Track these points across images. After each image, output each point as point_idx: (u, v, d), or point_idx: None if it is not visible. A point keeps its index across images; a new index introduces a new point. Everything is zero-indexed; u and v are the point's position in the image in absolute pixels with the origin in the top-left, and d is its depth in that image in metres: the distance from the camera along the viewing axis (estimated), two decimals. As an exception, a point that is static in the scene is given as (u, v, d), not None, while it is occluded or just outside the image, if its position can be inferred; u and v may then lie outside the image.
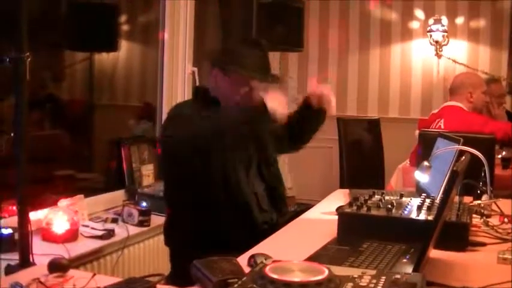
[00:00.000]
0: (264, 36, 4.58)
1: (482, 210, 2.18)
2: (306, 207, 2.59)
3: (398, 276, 1.22)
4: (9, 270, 2.23)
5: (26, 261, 2.26)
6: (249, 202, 2.21)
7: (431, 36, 5.47)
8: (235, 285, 1.18)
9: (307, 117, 2.43)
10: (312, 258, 1.54)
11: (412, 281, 1.20)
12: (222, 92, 2.25)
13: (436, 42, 5.47)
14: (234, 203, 2.19)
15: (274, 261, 1.28)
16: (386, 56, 5.77)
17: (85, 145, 4.42)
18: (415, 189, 2.48)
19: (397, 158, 4.32)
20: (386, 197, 2.07)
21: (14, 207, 2.63)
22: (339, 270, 1.25)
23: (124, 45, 4.51)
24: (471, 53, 5.50)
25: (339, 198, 2.56)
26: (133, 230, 3.11)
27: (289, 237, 2.03)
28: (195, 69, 4.13)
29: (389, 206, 1.86)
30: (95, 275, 1.45)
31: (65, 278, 1.46)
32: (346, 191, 2.69)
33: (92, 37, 3.78)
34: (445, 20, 5.42)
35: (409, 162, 4.07)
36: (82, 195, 3.13)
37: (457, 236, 1.79)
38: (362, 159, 4.45)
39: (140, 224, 3.17)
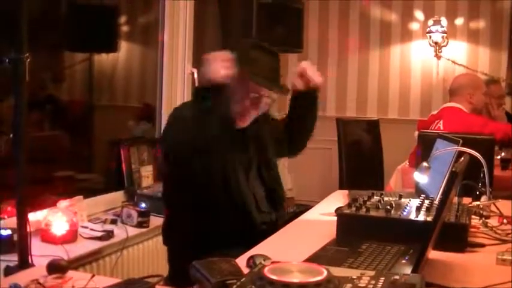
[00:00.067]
0: (263, 37, 4.59)
1: (482, 211, 2.18)
2: (305, 208, 2.59)
3: (397, 277, 1.22)
4: (8, 271, 2.23)
5: (25, 263, 2.26)
6: (248, 203, 2.21)
7: (430, 37, 5.47)
8: (234, 286, 1.18)
9: (301, 106, 2.44)
10: (311, 259, 1.54)
11: (411, 282, 1.20)
12: (230, 93, 2.23)
13: (436, 43, 5.47)
14: (233, 204, 2.19)
15: (273, 262, 1.28)
16: (385, 57, 5.77)
17: (84, 146, 4.42)
18: (414, 190, 2.49)
19: (396, 159, 4.32)
20: (386, 198, 2.07)
21: (11, 208, 2.63)
22: (338, 271, 1.25)
23: (123, 46, 4.51)
24: (471, 54, 5.50)
25: (338, 199, 2.56)
26: (133, 231, 3.11)
27: (288, 238, 2.03)
28: (195, 69, 4.13)
29: (389, 207, 1.86)
30: (94, 276, 1.45)
31: (64, 279, 1.46)
32: (345, 192, 2.69)
33: (91, 38, 3.79)
34: (444, 21, 5.43)
35: (408, 163, 4.07)
36: (81, 196, 3.13)
37: (456, 237, 1.79)
38: (361, 160, 4.45)
39: (139, 225, 3.17)
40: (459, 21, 5.52)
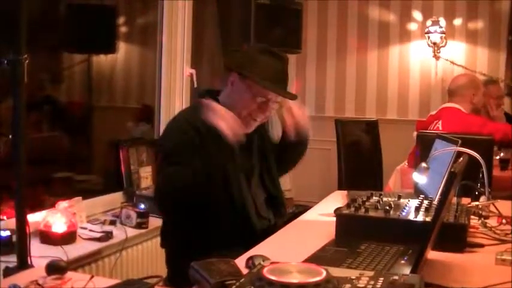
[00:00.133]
0: (262, 38, 4.61)
1: (481, 212, 2.18)
2: (304, 208, 2.59)
3: (396, 277, 1.23)
4: (8, 272, 2.23)
5: (24, 264, 2.26)
6: (248, 210, 2.20)
7: (429, 37, 5.48)
8: (233, 287, 1.18)
9: (287, 149, 2.41)
10: (310, 260, 1.54)
11: (410, 282, 1.20)
12: (236, 98, 2.20)
13: (434, 43, 5.47)
14: (234, 210, 2.18)
15: (272, 263, 1.28)
16: (384, 57, 5.77)
17: (83, 147, 4.41)
18: (413, 190, 2.49)
19: (395, 159, 4.32)
20: (384, 199, 2.07)
21: (11, 209, 2.62)
22: (337, 272, 1.25)
23: (122, 47, 4.51)
24: (469, 55, 5.50)
25: (337, 199, 2.56)
26: (132, 232, 3.11)
27: (287, 239, 2.03)
28: (193, 70, 4.13)
29: (387, 208, 1.86)
30: (92, 277, 1.46)
31: (63, 280, 1.46)
32: (344, 192, 2.69)
33: (90, 39, 3.79)
34: (443, 21, 5.43)
35: (407, 164, 4.07)
36: (80, 197, 3.13)
37: (455, 237, 1.79)
38: (360, 161, 4.45)
39: (138, 226, 3.17)
40: (457, 21, 5.53)
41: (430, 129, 3.80)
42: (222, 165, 2.05)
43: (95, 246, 2.86)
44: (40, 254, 2.46)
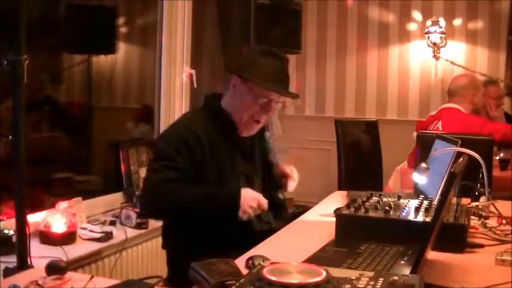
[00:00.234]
0: (261, 38, 4.61)
1: (480, 212, 2.18)
2: (304, 209, 2.60)
3: (396, 278, 1.23)
4: (7, 272, 2.23)
5: (24, 264, 2.26)
6: None
7: (429, 38, 5.47)
8: (233, 287, 1.18)
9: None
10: (309, 260, 1.54)
11: (409, 283, 1.20)
12: (238, 101, 2.20)
13: (434, 44, 5.47)
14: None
15: (272, 263, 1.28)
16: (384, 57, 5.77)
17: (83, 147, 4.41)
18: (413, 190, 2.49)
19: (395, 159, 4.32)
20: (384, 199, 2.07)
21: (11, 209, 2.62)
22: (337, 272, 1.25)
23: (122, 47, 4.51)
24: (469, 55, 5.50)
25: (337, 200, 2.56)
26: (132, 232, 3.11)
27: (287, 239, 2.03)
28: (193, 71, 4.13)
29: (387, 208, 1.86)
30: (92, 277, 1.46)
31: (63, 281, 1.46)
32: (344, 192, 2.69)
33: (90, 39, 3.79)
34: (442, 21, 5.43)
35: (407, 164, 4.07)
36: (80, 198, 3.13)
37: (455, 238, 1.79)
38: (360, 161, 4.45)
39: (138, 226, 3.17)
40: (457, 21, 5.52)
41: (430, 130, 3.80)
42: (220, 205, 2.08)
43: (94, 246, 2.86)
44: (40, 254, 2.46)
